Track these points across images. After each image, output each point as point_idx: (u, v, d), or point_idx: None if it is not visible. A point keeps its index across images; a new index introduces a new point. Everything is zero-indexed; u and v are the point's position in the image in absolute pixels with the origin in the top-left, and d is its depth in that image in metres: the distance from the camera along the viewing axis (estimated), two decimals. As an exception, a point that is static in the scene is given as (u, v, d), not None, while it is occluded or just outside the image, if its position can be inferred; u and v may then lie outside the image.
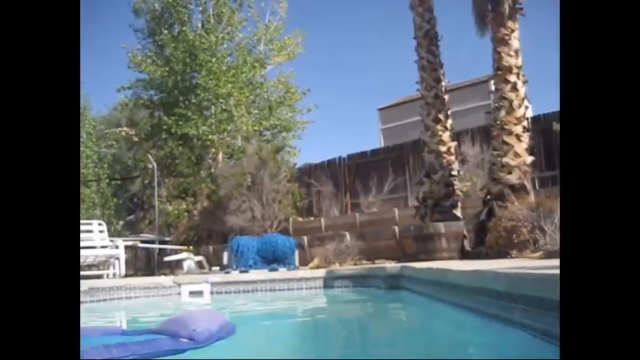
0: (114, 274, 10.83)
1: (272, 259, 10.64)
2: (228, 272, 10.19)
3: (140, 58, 17.42)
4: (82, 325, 4.15)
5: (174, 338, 3.13)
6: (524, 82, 9.43)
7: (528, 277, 3.49)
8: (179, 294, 9.00)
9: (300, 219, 15.67)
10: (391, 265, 8.65)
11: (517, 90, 9.31)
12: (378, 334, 4.72)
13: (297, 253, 10.86)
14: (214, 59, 16.68)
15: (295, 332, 5.07)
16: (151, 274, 12.65)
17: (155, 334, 3.29)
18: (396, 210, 13.55)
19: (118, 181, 19.70)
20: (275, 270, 10.09)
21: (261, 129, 17.14)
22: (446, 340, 4.05)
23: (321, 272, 9.24)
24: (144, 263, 14.53)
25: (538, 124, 12.91)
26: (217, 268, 11.62)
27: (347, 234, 11.88)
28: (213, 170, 16.71)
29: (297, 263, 10.75)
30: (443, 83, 10.97)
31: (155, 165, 15.22)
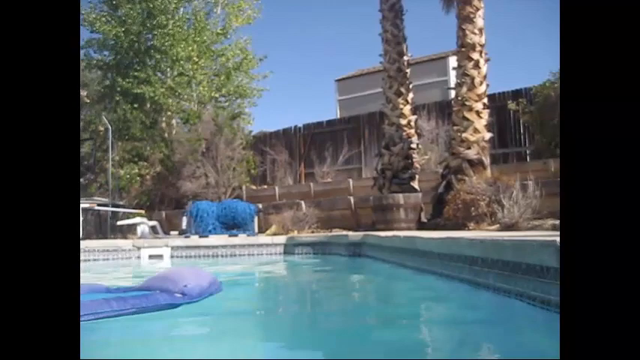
0: (69, 236, 10.65)
1: (231, 224, 10.70)
2: (187, 237, 10.19)
3: (94, 16, 16.89)
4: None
5: (170, 293, 3.19)
6: (487, 61, 9.65)
7: (506, 243, 3.66)
8: (139, 257, 8.99)
9: (254, 187, 15.71)
10: (353, 233, 8.82)
11: (479, 67, 9.53)
12: (349, 298, 4.85)
13: (256, 219, 10.93)
14: (172, 22, 16.35)
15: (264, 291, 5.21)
16: (103, 238, 12.50)
17: (136, 291, 3.35)
18: (350, 180, 13.73)
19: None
20: (235, 236, 10.15)
21: (218, 95, 16.97)
22: (414, 299, 4.20)
23: (282, 239, 9.36)
24: (94, 227, 14.31)
25: (493, 103, 13.21)
26: (175, 232, 11.58)
27: (302, 203, 12.00)
28: (167, 135, 16.51)
29: (256, 230, 10.83)
30: (405, 57, 11.11)
31: (110, 127, 14.93)
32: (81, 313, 2.52)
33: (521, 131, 14.43)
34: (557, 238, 2.70)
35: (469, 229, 7.95)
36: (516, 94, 14.02)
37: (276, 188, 14.73)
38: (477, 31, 9.56)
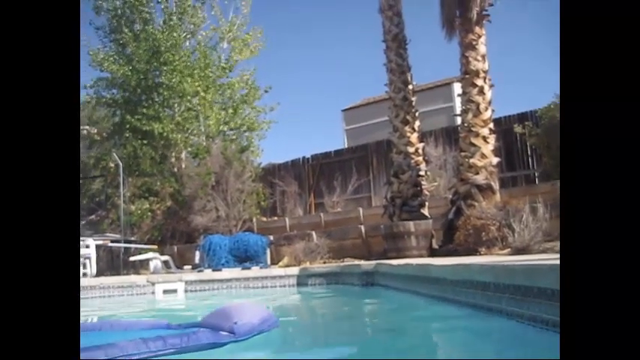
0: (84, 274, 10.75)
1: (244, 257, 10.74)
2: (201, 271, 10.24)
3: (102, 56, 17.19)
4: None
5: (215, 331, 3.08)
6: (491, 86, 9.77)
7: (517, 268, 3.71)
8: (153, 293, 9.03)
9: (265, 219, 15.77)
10: (366, 262, 8.86)
11: (484, 93, 9.65)
12: (365, 328, 4.89)
13: (268, 251, 10.99)
14: (177, 57, 16.60)
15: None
16: (116, 274, 12.57)
17: (197, 327, 3.25)
18: (360, 209, 13.77)
19: (80, 181, 19.42)
20: (248, 268, 10.20)
21: (227, 129, 17.14)
22: (433, 329, 4.24)
23: (295, 270, 9.40)
24: (106, 263, 14.38)
25: (498, 127, 13.28)
26: (188, 267, 11.64)
27: (313, 233, 12.05)
28: (176, 169, 16.64)
29: (268, 262, 10.88)
30: (410, 86, 11.24)
31: (120, 164, 15.09)
32: (117, 356, 2.55)
33: (529, 153, 14.46)
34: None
35: (481, 255, 7.98)
36: (522, 117, 14.09)
37: (287, 219, 14.79)
38: (479, 57, 9.69)
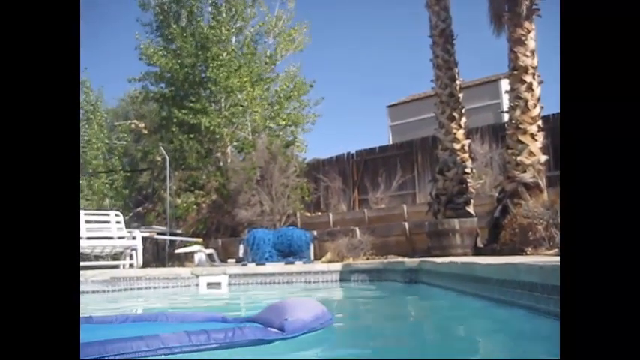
0: (130, 265, 10.96)
1: (287, 252, 10.80)
2: (244, 264, 10.33)
3: (151, 50, 17.47)
4: (108, 313, 4.21)
5: (265, 327, 3.00)
6: (540, 83, 9.57)
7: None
8: (197, 285, 9.15)
9: (308, 214, 15.82)
10: (409, 260, 8.80)
11: (532, 90, 9.46)
12: (415, 325, 4.85)
13: (312, 246, 11.01)
14: (225, 53, 16.77)
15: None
16: (161, 266, 12.78)
17: (250, 322, 3.19)
18: (404, 206, 13.67)
19: (128, 174, 19.79)
20: (291, 263, 10.25)
21: (272, 124, 17.22)
22: (480, 330, 4.19)
23: (338, 266, 9.40)
24: (151, 255, 14.64)
25: (547, 124, 12.99)
26: (231, 260, 11.76)
27: (357, 229, 12.02)
28: (221, 164, 16.82)
29: (312, 257, 10.90)
30: (457, 81, 11.11)
31: (167, 157, 15.33)
32: (158, 347, 2.55)
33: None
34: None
35: (527, 254, 7.84)
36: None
37: (330, 215, 14.79)
38: (528, 53, 9.50)
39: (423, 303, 6.64)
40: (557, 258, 6.17)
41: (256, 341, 2.83)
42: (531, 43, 9.57)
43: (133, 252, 11.10)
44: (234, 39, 17.77)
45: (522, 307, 4.07)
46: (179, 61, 17.04)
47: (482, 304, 5.00)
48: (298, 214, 15.06)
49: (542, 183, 9.29)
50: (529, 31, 9.56)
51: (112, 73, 36.95)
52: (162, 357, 2.53)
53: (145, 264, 11.79)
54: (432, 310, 5.89)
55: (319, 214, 15.97)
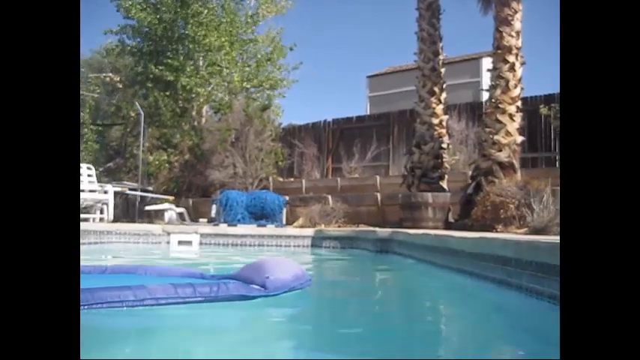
0: (100, 219, 10.87)
1: (260, 215, 10.79)
2: (216, 225, 10.32)
3: (130, 3, 17.06)
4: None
5: (247, 284, 3.07)
6: (522, 64, 9.62)
7: (542, 245, 3.70)
8: (168, 242, 9.14)
9: (281, 179, 15.82)
10: (381, 229, 8.89)
11: (515, 70, 9.51)
12: (378, 292, 4.92)
13: (285, 211, 11.04)
14: (206, 11, 16.47)
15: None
16: (131, 221, 12.70)
17: (230, 279, 3.26)
18: (377, 177, 13.74)
19: (99, 127, 19.49)
20: (263, 226, 10.26)
21: (250, 86, 17.06)
22: (449, 297, 4.27)
23: (310, 231, 9.45)
24: (121, 211, 14.53)
25: (524, 106, 13.11)
26: (203, 220, 11.73)
27: (329, 197, 12.06)
28: (196, 123, 16.66)
29: (284, 221, 10.93)
30: (440, 56, 11.12)
31: (142, 113, 15.13)
32: (146, 297, 2.57)
33: (552, 136, 14.32)
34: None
35: (497, 232, 7.96)
36: (548, 99, 13.90)
37: (303, 181, 14.81)
38: (514, 33, 9.53)
39: (394, 273, 6.73)
40: (530, 237, 6.29)
41: (239, 297, 2.91)
42: (517, 24, 9.59)
43: (104, 206, 11.01)
44: (214, -1, 17.44)
45: (494, 281, 4.15)
46: (158, 15, 16.68)
47: (453, 275, 5.10)
48: (271, 179, 15.03)
49: (517, 163, 9.41)
50: (516, 12, 9.57)
51: (87, 24, 36.03)
52: (148, 307, 2.55)
53: (115, 219, 11.70)
54: (402, 279, 5.98)
55: (292, 179, 15.98)
